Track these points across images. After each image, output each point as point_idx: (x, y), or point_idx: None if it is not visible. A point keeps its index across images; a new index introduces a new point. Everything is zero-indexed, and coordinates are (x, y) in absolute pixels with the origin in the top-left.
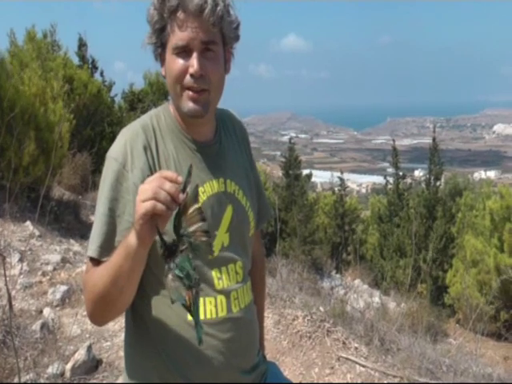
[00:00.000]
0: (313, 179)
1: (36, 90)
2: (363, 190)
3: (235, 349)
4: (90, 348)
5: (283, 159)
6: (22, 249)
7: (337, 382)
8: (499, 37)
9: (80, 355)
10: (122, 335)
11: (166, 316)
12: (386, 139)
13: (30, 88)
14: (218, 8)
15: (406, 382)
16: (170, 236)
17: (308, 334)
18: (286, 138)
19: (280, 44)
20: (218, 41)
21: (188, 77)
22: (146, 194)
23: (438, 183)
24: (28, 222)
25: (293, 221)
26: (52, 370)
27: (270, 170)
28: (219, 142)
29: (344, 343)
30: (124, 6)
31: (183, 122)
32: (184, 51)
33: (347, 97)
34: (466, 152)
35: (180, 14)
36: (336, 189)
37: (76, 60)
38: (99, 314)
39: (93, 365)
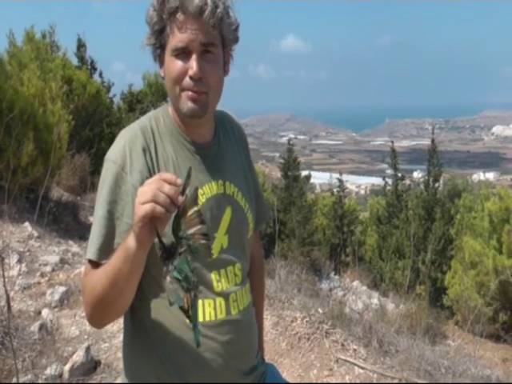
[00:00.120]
0: (312, 180)
1: (35, 91)
2: (362, 192)
3: (234, 351)
4: (88, 349)
5: (282, 160)
6: (21, 250)
7: (335, 383)
8: (498, 38)
9: (78, 356)
10: (121, 336)
11: (164, 318)
12: (384, 140)
13: (29, 89)
14: (218, 10)
15: (404, 383)
16: (168, 238)
17: (306, 336)
18: (284, 139)
19: (279, 45)
20: (218, 43)
21: (187, 79)
22: (145, 196)
23: (436, 185)
24: (27, 223)
25: (291, 222)
26: (50, 371)
27: (269, 171)
28: (218, 143)
29: (342, 345)
30: (123, 7)
31: (182, 123)
32: (183, 53)
33: (346, 98)
34: (465, 153)
35: (179, 16)
36: (335, 190)
37: (75, 61)
38: (98, 316)
39: (91, 366)
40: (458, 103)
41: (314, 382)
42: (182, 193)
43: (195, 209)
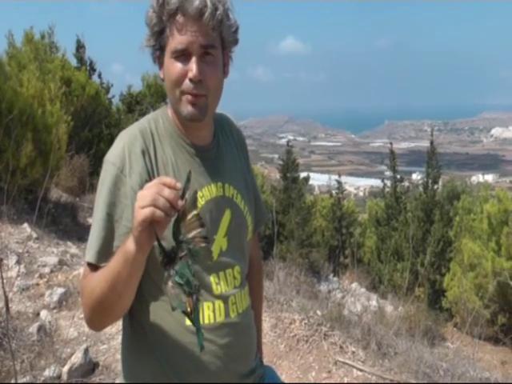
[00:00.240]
0: (310, 182)
1: (34, 92)
2: (361, 193)
3: (233, 354)
4: (86, 351)
5: (281, 162)
6: (20, 251)
7: None
8: (498, 40)
9: (77, 358)
10: (119, 338)
11: (164, 321)
12: (383, 142)
13: (28, 90)
14: (218, 12)
15: None
16: (168, 242)
17: (305, 338)
18: (283, 141)
19: (278, 46)
20: (217, 45)
21: (187, 81)
22: (145, 200)
23: (435, 187)
24: (25, 224)
25: (290, 224)
26: (49, 372)
27: (268, 172)
28: (217, 146)
29: (341, 347)
30: (121, 7)
31: (182, 125)
32: (183, 55)
33: (345, 99)
34: (464, 155)
35: (179, 18)
36: (333, 192)
37: (74, 62)
38: (97, 319)
39: (89, 368)
40: (457, 105)
41: None
42: (182, 197)
43: (194, 212)
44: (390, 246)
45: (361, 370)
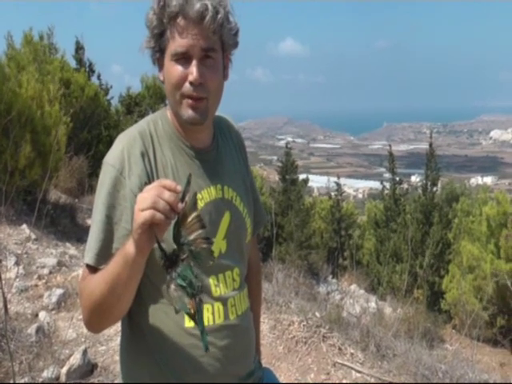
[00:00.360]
0: (309, 184)
1: (33, 93)
2: (360, 195)
3: (232, 356)
4: (85, 352)
5: (280, 164)
6: (18, 252)
7: None
8: (497, 42)
9: (75, 359)
10: (118, 339)
11: (163, 324)
12: (382, 144)
13: (27, 91)
14: (219, 16)
15: None
16: (168, 245)
17: (304, 340)
18: (282, 143)
19: (277, 48)
20: (218, 48)
21: (187, 84)
22: (145, 203)
23: (434, 189)
24: (24, 225)
25: (289, 225)
26: (47, 373)
27: (267, 174)
28: (216, 148)
29: (340, 349)
30: (121, 8)
31: (181, 128)
32: (183, 58)
33: (344, 101)
34: (463, 158)
35: (180, 21)
36: (332, 194)
37: (73, 63)
38: (96, 321)
39: (88, 369)
40: (456, 107)
41: None
42: (182, 200)
43: (195, 214)
44: (389, 247)
45: (359, 372)
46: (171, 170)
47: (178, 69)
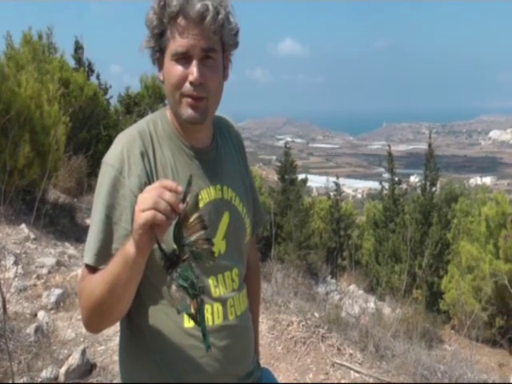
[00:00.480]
0: (308, 184)
1: (32, 93)
2: (359, 195)
3: (231, 356)
4: (84, 352)
5: (279, 164)
6: (17, 252)
7: None
8: (496, 43)
9: (74, 359)
10: (117, 339)
11: (163, 324)
12: (381, 144)
13: (26, 90)
14: (220, 16)
15: None
16: (168, 245)
17: (303, 340)
18: (281, 143)
19: (276, 48)
20: (218, 48)
21: (187, 84)
22: (146, 203)
23: (433, 189)
24: (23, 225)
25: (288, 225)
26: (46, 373)
27: (266, 174)
28: (216, 148)
29: (339, 349)
30: (121, 8)
31: (181, 127)
32: (183, 58)
33: (343, 101)
34: (462, 158)
35: (181, 21)
36: (331, 194)
37: (72, 63)
38: (95, 321)
39: (87, 369)
40: (455, 108)
41: None
42: (183, 200)
43: (197, 215)
44: (388, 248)
45: (358, 372)
46: (171, 170)
47: (178, 69)
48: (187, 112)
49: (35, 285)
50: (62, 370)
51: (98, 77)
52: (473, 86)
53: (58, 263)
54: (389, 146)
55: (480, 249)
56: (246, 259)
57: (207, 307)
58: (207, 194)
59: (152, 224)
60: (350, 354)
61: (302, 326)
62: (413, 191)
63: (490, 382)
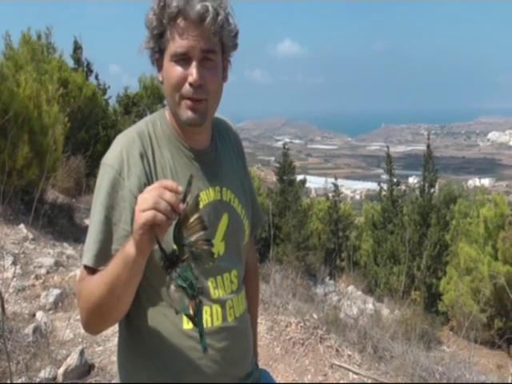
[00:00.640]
0: (307, 185)
1: (30, 93)
2: (357, 197)
3: (230, 358)
4: (82, 352)
5: (277, 164)
6: (16, 252)
7: None
8: (495, 45)
9: (72, 359)
10: (115, 340)
11: (161, 326)
12: (380, 146)
13: (25, 90)
14: (220, 17)
15: None
16: (168, 245)
17: (301, 341)
18: (280, 144)
19: (275, 49)
20: (218, 49)
21: (187, 85)
22: (146, 203)
23: (432, 190)
24: (22, 225)
25: (287, 226)
26: (44, 374)
27: (264, 175)
28: (215, 149)
29: (337, 350)
30: (120, 8)
31: (180, 129)
32: (183, 59)
33: (342, 103)
34: (461, 159)
35: (180, 22)
36: (330, 195)
37: (71, 63)
38: (94, 322)
39: (85, 369)
40: (454, 109)
41: None
42: (183, 200)
43: (197, 215)
44: (387, 249)
45: (357, 374)
46: (170, 171)
47: (178, 70)
48: (186, 114)
49: (33, 285)
50: (61, 371)
51: (96, 77)
52: (472, 88)
53: (57, 263)
54: (387, 147)
55: (478, 250)
56: (244, 260)
57: (206, 309)
58: (206, 196)
59: (152, 224)
60: (349, 356)
61: (301, 327)
62: (411, 192)
63: (489, 383)
